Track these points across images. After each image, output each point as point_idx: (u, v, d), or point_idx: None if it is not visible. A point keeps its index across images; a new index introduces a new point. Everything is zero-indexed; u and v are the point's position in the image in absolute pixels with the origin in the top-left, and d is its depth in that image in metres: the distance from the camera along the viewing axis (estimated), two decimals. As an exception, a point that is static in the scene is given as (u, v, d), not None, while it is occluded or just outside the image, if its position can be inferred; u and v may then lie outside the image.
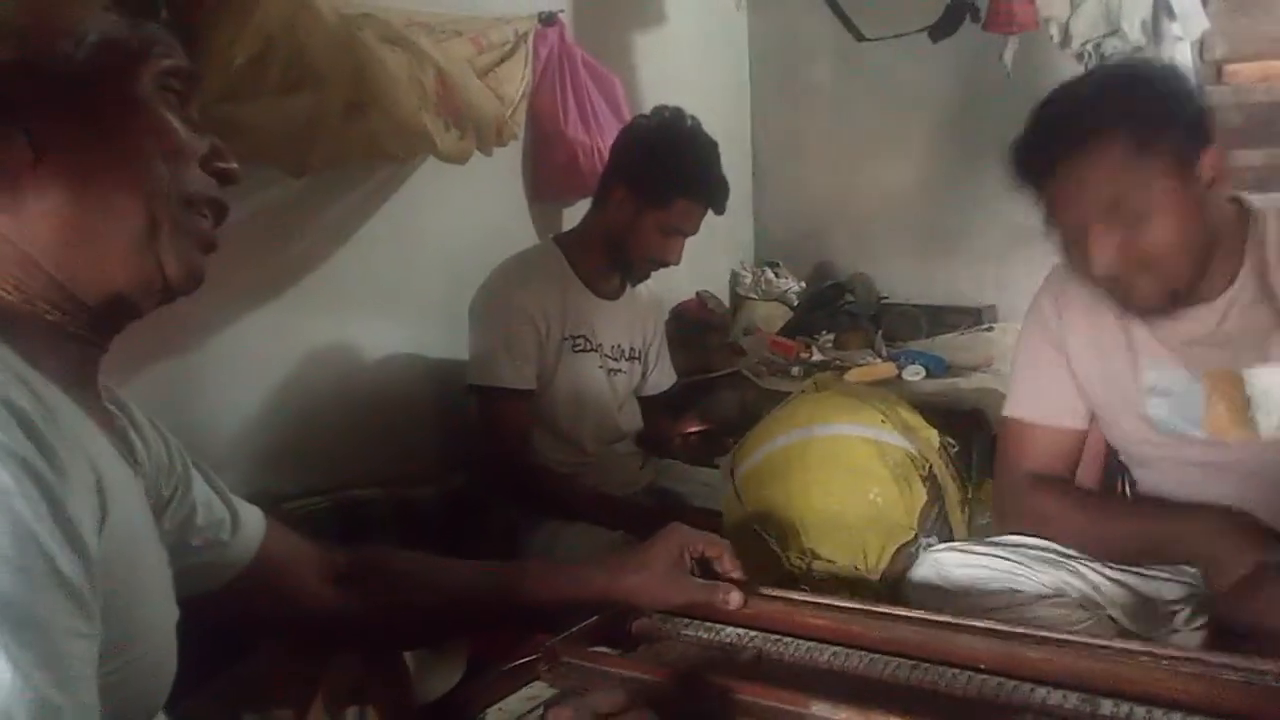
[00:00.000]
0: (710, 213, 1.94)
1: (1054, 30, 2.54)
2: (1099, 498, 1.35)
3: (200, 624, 0.80)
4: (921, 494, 1.37)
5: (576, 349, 1.93)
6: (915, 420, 1.46)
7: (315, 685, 0.98)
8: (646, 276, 2.02)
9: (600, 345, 1.96)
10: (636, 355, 2.07)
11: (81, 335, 0.72)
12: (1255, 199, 1.21)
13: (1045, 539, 1.28)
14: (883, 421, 1.41)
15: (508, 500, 1.87)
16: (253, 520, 0.95)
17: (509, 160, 2.31)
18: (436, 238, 2.15)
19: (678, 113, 1.93)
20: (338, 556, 1.03)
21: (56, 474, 0.59)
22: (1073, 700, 0.80)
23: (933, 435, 1.44)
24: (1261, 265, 1.15)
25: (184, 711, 0.83)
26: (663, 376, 2.21)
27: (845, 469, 1.36)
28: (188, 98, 0.77)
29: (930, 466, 1.41)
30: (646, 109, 2.09)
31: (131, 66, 0.73)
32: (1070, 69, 2.59)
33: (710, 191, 1.90)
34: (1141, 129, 1.08)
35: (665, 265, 1.95)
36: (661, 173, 1.86)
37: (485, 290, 1.90)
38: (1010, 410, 1.37)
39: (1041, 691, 0.81)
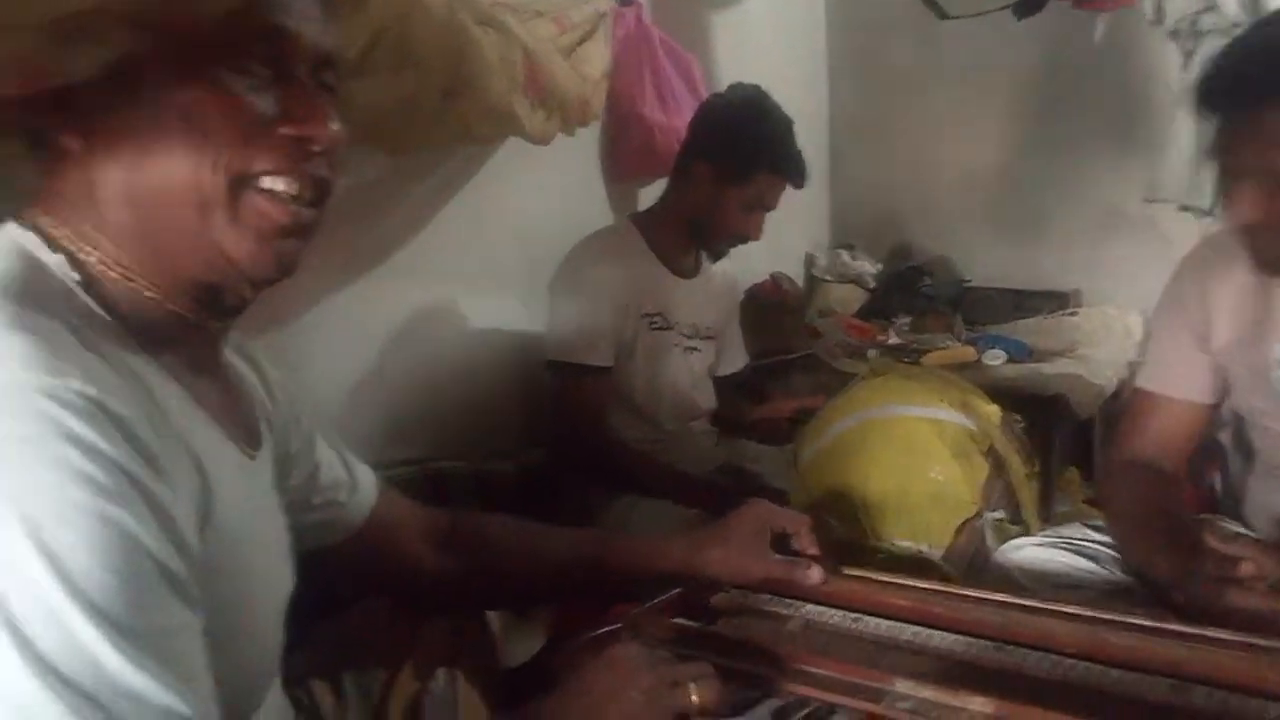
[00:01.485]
0: (787, 191, 1.93)
1: (1147, 7, 2.46)
2: (1157, 509, 1.24)
3: (303, 581, 0.83)
4: (984, 468, 1.37)
5: (654, 327, 1.94)
6: (974, 398, 1.46)
7: (409, 647, 1.02)
8: (725, 253, 2.01)
9: (677, 323, 1.97)
10: (711, 335, 2.08)
11: (191, 319, 0.71)
12: None
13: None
14: (940, 400, 1.41)
15: (584, 476, 1.90)
16: (368, 482, 0.99)
17: (586, 141, 2.33)
18: (516, 216, 2.17)
19: (756, 89, 1.94)
20: (441, 520, 1.06)
21: (154, 475, 0.59)
22: (1162, 688, 0.79)
23: (994, 411, 1.44)
24: None
25: (283, 668, 0.87)
26: (735, 357, 2.21)
27: (904, 449, 1.37)
28: (289, 63, 0.69)
29: (991, 441, 1.40)
30: (723, 89, 2.09)
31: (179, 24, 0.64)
32: (1161, 48, 2.51)
33: (790, 165, 1.90)
34: None
35: (746, 240, 1.95)
36: (742, 147, 1.86)
37: (564, 267, 1.93)
38: (1142, 381, 1.38)
39: (1130, 678, 0.81)
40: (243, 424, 0.79)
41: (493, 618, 1.21)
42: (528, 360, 2.05)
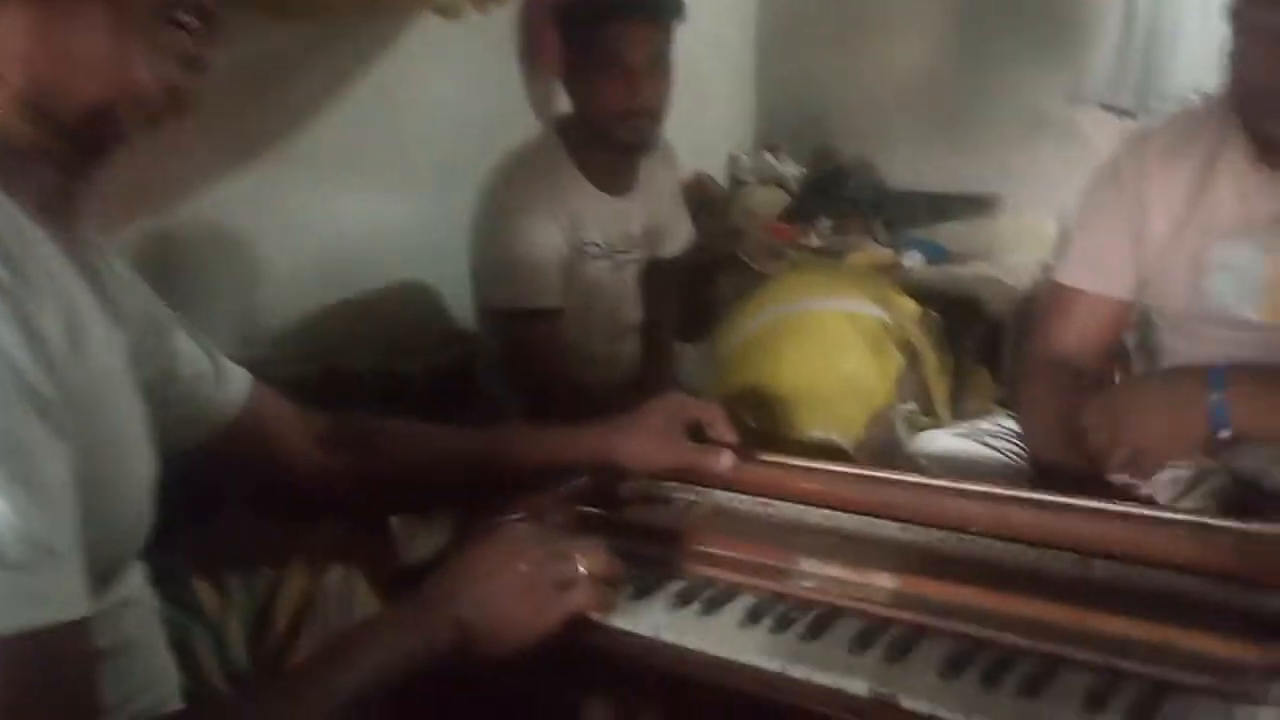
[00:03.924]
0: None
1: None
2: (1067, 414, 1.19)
3: (179, 480, 0.78)
4: (897, 360, 1.36)
5: (592, 256, 1.78)
6: (892, 293, 1.45)
7: (297, 545, 0.98)
8: (638, 141, 1.71)
9: (613, 244, 1.81)
10: (650, 233, 1.91)
11: (60, 159, 0.68)
12: None
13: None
14: (857, 294, 1.39)
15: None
16: (237, 377, 0.94)
17: (504, 26, 2.21)
18: (429, 105, 2.06)
19: None
20: (324, 419, 1.02)
21: (24, 288, 0.57)
22: (1064, 561, 0.79)
23: (910, 305, 1.43)
24: None
25: (161, 566, 0.82)
26: (679, 236, 2.02)
27: (819, 342, 1.36)
28: None
29: (906, 334, 1.39)
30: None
31: None
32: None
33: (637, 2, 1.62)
34: None
35: (635, 115, 1.65)
36: (577, 5, 1.65)
37: (490, 201, 1.74)
38: (1062, 276, 1.33)
39: (1033, 552, 0.81)
40: (100, 294, 0.73)
41: (395, 519, 1.17)
42: (439, 258, 1.97)
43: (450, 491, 1.08)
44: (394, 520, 1.17)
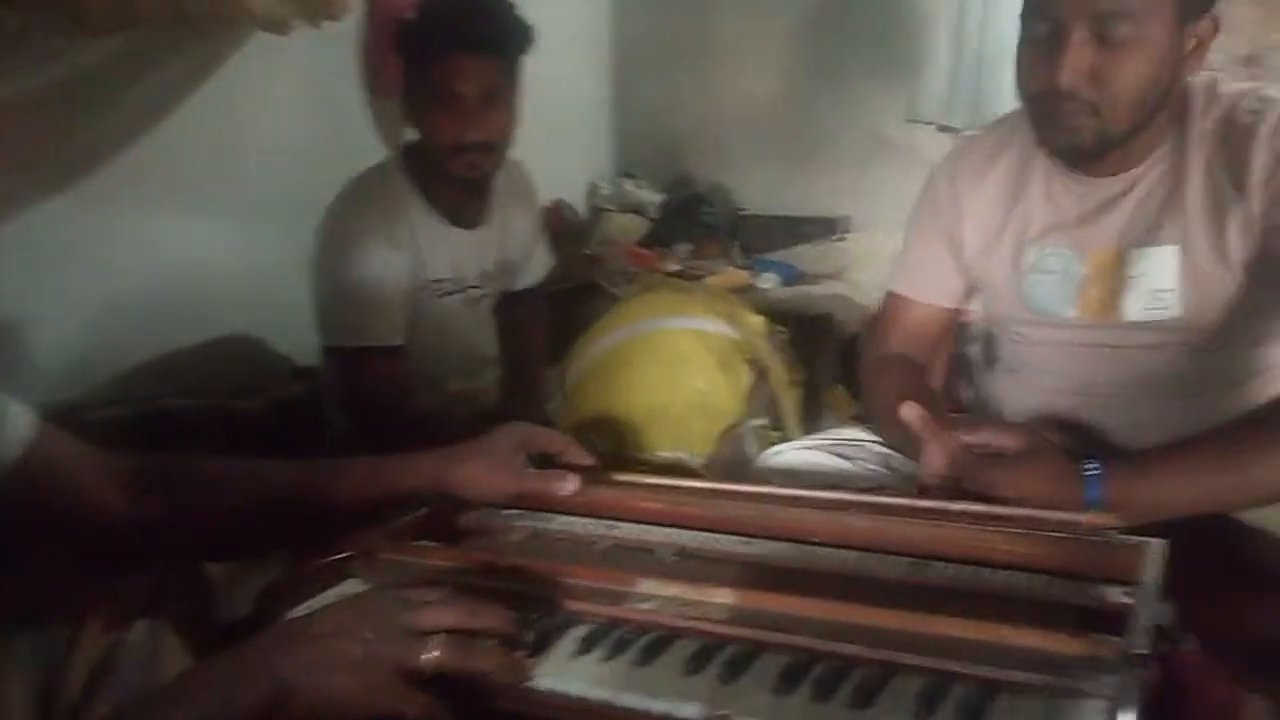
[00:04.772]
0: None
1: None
2: (911, 395, 1.18)
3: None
4: (747, 377, 1.36)
5: (441, 294, 1.70)
6: (740, 310, 1.46)
7: (97, 599, 0.88)
8: (472, 176, 1.63)
9: (463, 279, 1.74)
10: (506, 265, 1.85)
11: None
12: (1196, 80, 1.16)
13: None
14: (705, 312, 1.39)
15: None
16: (17, 417, 0.84)
17: (346, 46, 2.14)
18: (264, 130, 1.97)
19: None
20: (128, 461, 0.93)
21: None
22: (902, 566, 0.79)
23: (758, 321, 1.44)
24: (1180, 146, 1.12)
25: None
26: (536, 267, 1.95)
27: (667, 361, 1.35)
28: None
29: (755, 350, 1.40)
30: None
31: None
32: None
33: (467, 28, 1.53)
34: None
35: (469, 149, 1.57)
36: (412, 31, 1.57)
37: (328, 233, 1.63)
38: (892, 285, 1.37)
39: (872, 558, 0.80)
40: None
41: (214, 567, 1.08)
42: (278, 289, 1.87)
43: (275, 533, 1.01)
44: (213, 569, 1.08)
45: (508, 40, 1.58)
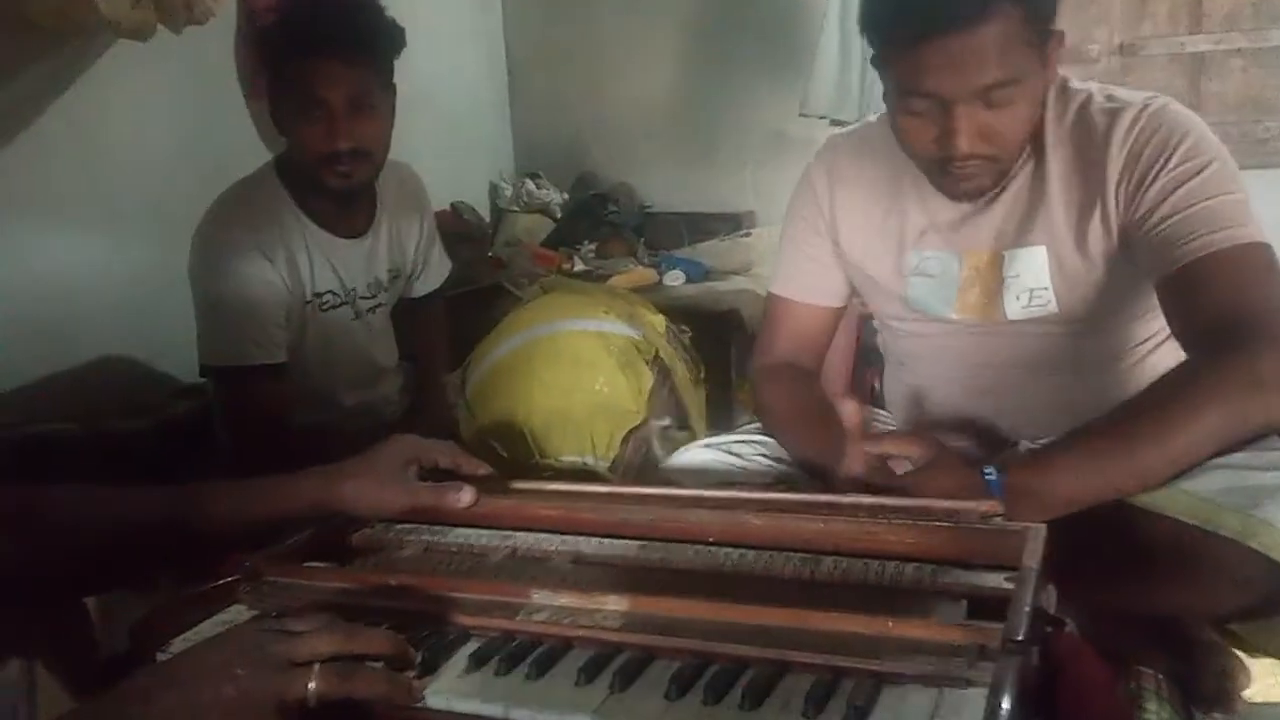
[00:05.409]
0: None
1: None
2: (803, 405, 1.25)
3: None
4: (648, 377, 1.36)
5: (325, 307, 1.64)
6: (641, 309, 1.44)
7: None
8: (344, 186, 1.56)
9: (353, 291, 1.68)
10: (398, 273, 1.79)
11: None
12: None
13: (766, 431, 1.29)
14: (605, 313, 1.37)
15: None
16: None
17: (224, 51, 2.06)
18: (131, 142, 1.88)
19: None
20: None
21: None
22: (795, 562, 0.79)
23: (659, 320, 1.43)
24: (1040, 147, 1.14)
25: None
26: (432, 274, 1.86)
27: (568, 363, 1.33)
28: None
29: (656, 350, 1.39)
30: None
31: None
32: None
33: (330, 31, 1.45)
34: (1029, 7, 1.01)
35: (339, 158, 1.50)
36: (273, 35, 1.51)
37: (202, 248, 1.55)
38: (774, 287, 1.35)
39: (766, 556, 0.80)
40: None
41: (93, 600, 1.03)
42: (158, 306, 1.79)
43: (150, 561, 0.96)
44: (91, 603, 1.02)
45: (374, 43, 1.51)
